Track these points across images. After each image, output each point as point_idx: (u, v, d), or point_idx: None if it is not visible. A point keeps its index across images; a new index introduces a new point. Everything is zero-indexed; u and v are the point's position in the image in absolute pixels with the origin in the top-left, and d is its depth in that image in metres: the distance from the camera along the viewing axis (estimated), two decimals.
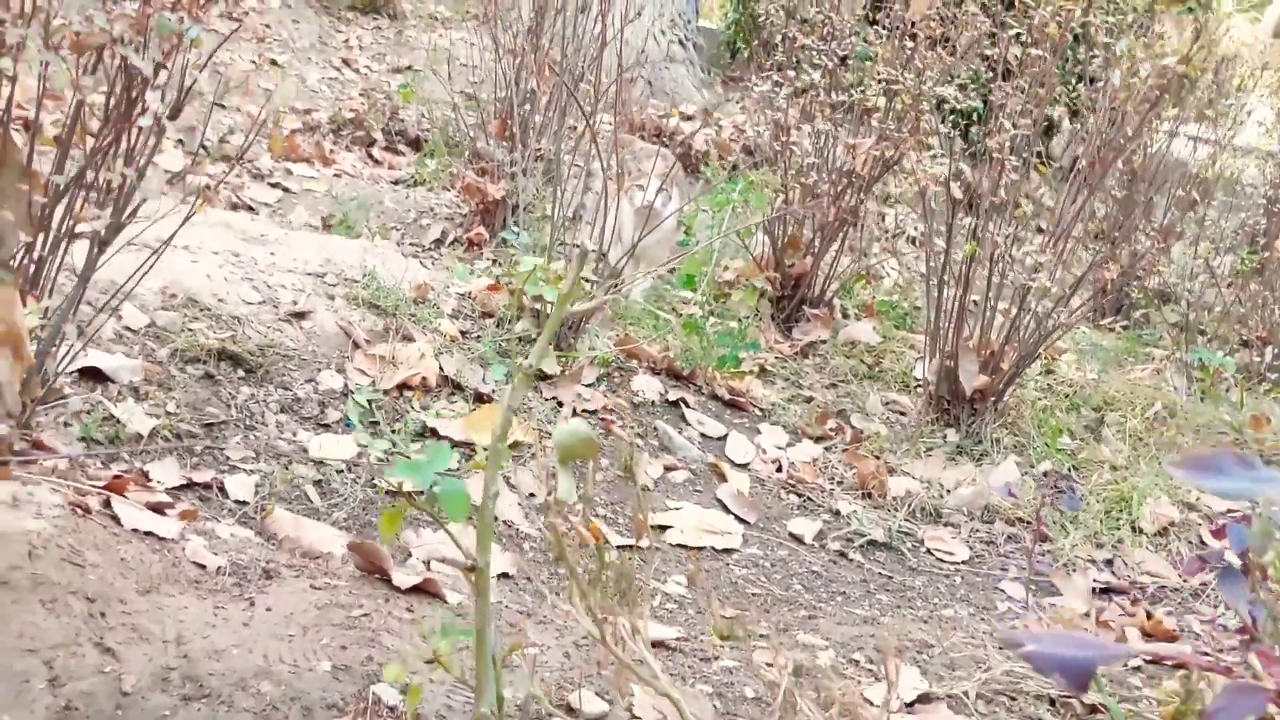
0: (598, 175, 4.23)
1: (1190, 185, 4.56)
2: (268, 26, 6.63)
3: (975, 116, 3.55)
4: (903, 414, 3.66)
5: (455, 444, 2.51)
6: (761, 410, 3.36)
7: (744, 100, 7.94)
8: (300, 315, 2.65)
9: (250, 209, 4.24)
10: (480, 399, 2.71)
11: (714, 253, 3.44)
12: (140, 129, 1.84)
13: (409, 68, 6.95)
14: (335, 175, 4.88)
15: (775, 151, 4.03)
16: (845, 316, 4.33)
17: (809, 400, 3.65)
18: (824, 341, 4.06)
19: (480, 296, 3.07)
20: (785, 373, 3.83)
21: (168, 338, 2.37)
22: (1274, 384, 4.25)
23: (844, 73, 4.02)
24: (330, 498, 2.21)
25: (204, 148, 4.61)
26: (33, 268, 1.82)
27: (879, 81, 3.84)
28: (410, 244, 4.30)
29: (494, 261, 4.03)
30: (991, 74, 3.36)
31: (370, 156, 5.36)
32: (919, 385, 3.71)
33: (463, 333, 2.93)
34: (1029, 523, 2.87)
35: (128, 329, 2.35)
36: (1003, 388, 3.14)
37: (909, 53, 3.52)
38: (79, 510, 1.59)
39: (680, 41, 8.30)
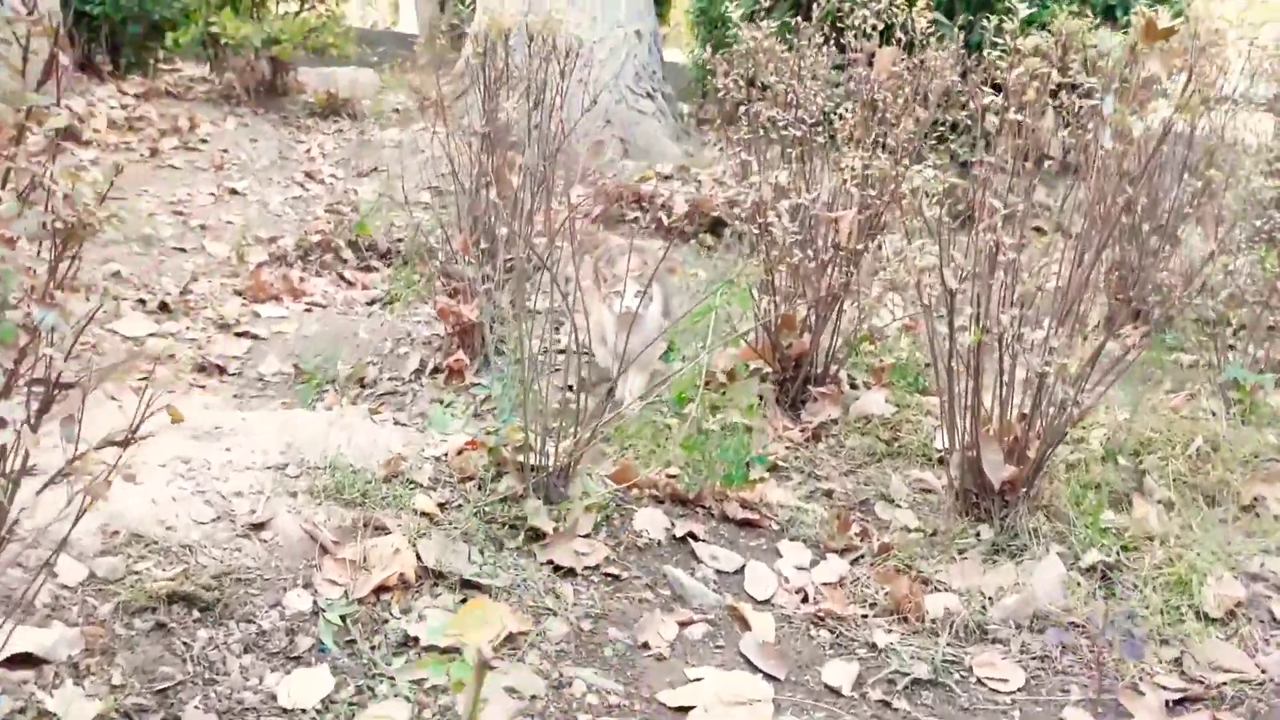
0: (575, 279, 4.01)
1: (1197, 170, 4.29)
2: (224, 151, 6.44)
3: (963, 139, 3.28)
4: (929, 492, 3.40)
5: (442, 650, 2.27)
6: (779, 524, 3.10)
7: (720, 143, 7.74)
8: (259, 526, 2.42)
9: (220, 369, 4.03)
10: (468, 585, 2.46)
11: (702, 368, 3.20)
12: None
13: (375, 170, 6.75)
14: (306, 309, 4.67)
15: (755, 235, 3.80)
16: (854, 387, 4.08)
17: (829, 494, 3.40)
18: (835, 421, 3.81)
19: (456, 461, 2.83)
20: (799, 463, 3.58)
21: (110, 591, 2.14)
22: None
23: (815, 136, 3.79)
24: None
25: (164, 306, 4.41)
26: None
27: (852, 143, 3.60)
28: (389, 379, 4.08)
29: (474, 390, 3.80)
30: (968, 121, 3.12)
31: (342, 278, 5.15)
32: (941, 457, 3.46)
33: (442, 505, 2.69)
34: (1083, 628, 2.61)
35: (64, 588, 2.12)
36: (1032, 475, 2.87)
37: (878, 123, 3.30)
38: None
39: (649, 94, 8.09)
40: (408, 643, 2.27)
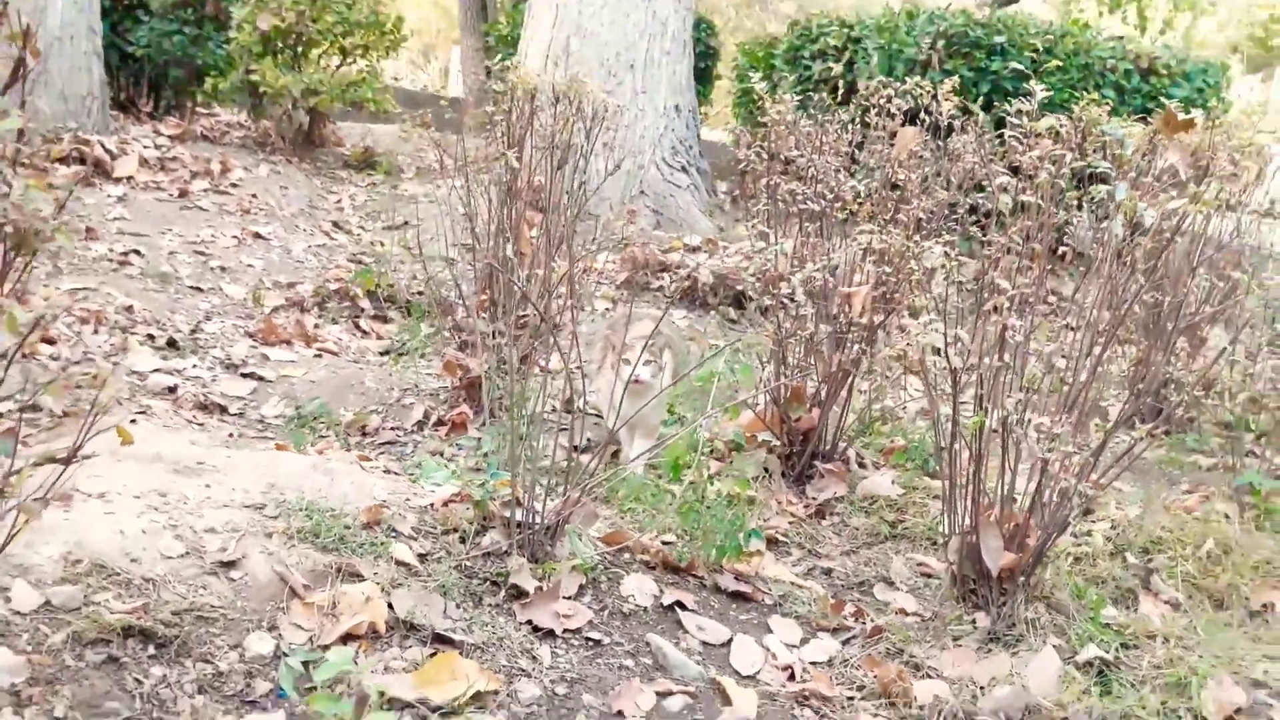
0: (593, 343, 3.97)
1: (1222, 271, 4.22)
2: (253, 196, 6.48)
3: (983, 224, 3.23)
4: (930, 576, 3.30)
5: (405, 705, 2.19)
6: (772, 600, 3.01)
7: (746, 218, 7.80)
8: (229, 565, 2.35)
9: (222, 408, 3.99)
10: (440, 639, 2.38)
11: (699, 434, 3.12)
12: None
13: (405, 224, 6.77)
14: (316, 355, 4.65)
15: (768, 304, 3.74)
16: (863, 466, 4.00)
17: (828, 572, 3.30)
18: (840, 499, 3.73)
19: (442, 513, 2.76)
20: (800, 539, 3.49)
21: (64, 620, 2.07)
22: None
23: (834, 211, 3.76)
24: None
25: (172, 343, 4.39)
26: None
27: (871, 220, 3.56)
28: (391, 428, 4.03)
29: (476, 447, 3.74)
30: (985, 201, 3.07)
31: (357, 327, 5.13)
32: (947, 541, 3.36)
33: (422, 556, 2.62)
34: None
35: (16, 613, 2.06)
36: (1032, 563, 2.77)
37: (896, 200, 3.26)
38: None
39: (684, 168, 8.12)
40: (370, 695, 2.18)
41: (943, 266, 2.68)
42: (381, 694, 2.18)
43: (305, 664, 2.19)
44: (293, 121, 7.29)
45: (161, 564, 2.28)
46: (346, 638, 2.28)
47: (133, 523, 2.35)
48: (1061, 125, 2.72)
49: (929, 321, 2.51)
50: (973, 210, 3.46)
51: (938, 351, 2.59)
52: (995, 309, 2.45)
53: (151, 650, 2.09)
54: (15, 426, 1.50)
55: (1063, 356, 2.56)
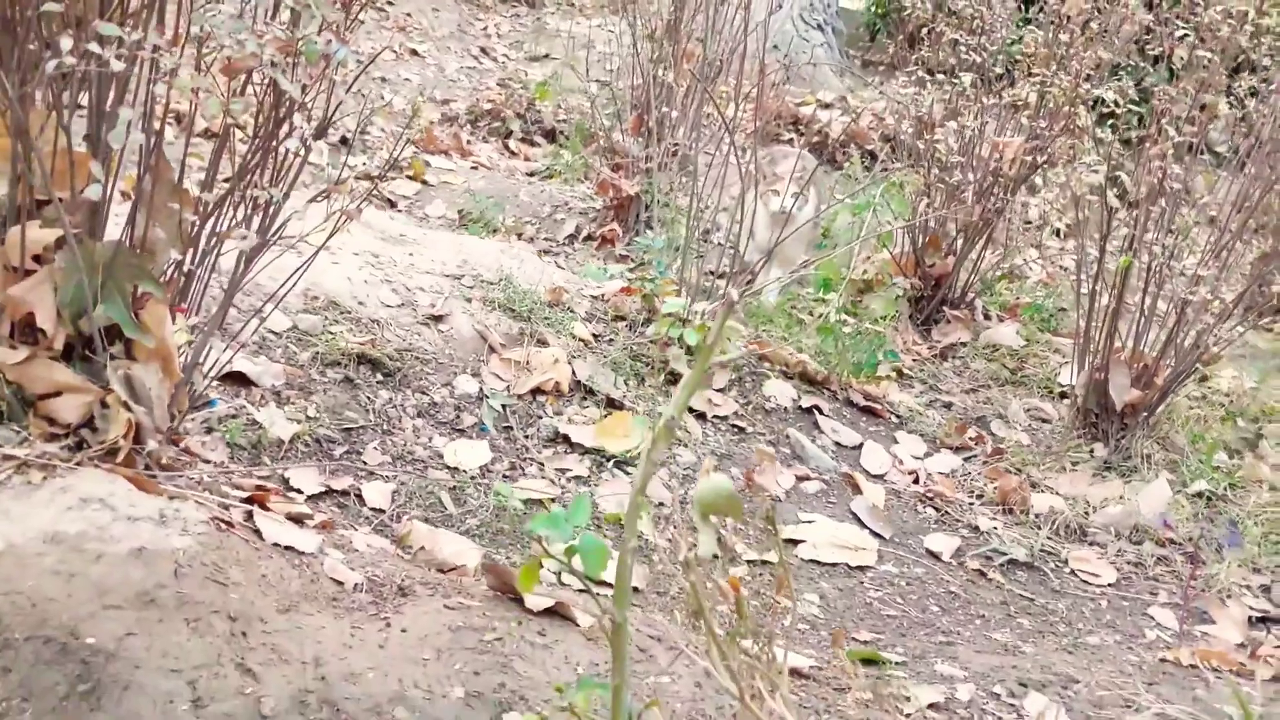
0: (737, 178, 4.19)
1: None
2: (408, 15, 6.74)
3: (1134, 116, 3.38)
4: (1045, 421, 3.55)
5: (586, 450, 2.53)
6: (898, 417, 3.30)
7: (884, 85, 7.85)
8: (438, 318, 2.69)
9: (391, 203, 4.32)
10: (612, 404, 2.71)
11: (852, 256, 3.38)
12: (287, 150, 1.86)
13: (546, 56, 7.00)
14: (472, 167, 4.94)
15: (918, 150, 3.93)
16: (987, 318, 4.22)
17: (948, 406, 3.57)
18: (964, 344, 3.97)
19: (613, 300, 3.07)
20: (923, 375, 3.74)
21: (309, 341, 2.43)
22: None
23: (993, 66, 3.90)
24: (464, 504, 2.24)
25: (345, 140, 4.71)
26: (182, 281, 1.87)
27: (1030, 77, 3.71)
28: (544, 239, 4.34)
29: (624, 259, 4.03)
30: (1151, 67, 3.21)
31: (506, 148, 5.41)
32: (1063, 392, 3.59)
33: (595, 336, 2.94)
34: (1180, 544, 2.76)
35: (271, 332, 2.41)
36: (1156, 402, 3.00)
37: (1064, 49, 3.40)
38: (222, 525, 1.63)
39: (819, 26, 8.17)
40: (557, 438, 2.52)
41: (1113, 114, 2.86)
42: (566, 438, 2.52)
43: (503, 407, 2.54)
44: None
45: (382, 310, 2.62)
46: (536, 391, 2.61)
47: (356, 274, 2.69)
48: None
49: (1093, 163, 2.71)
50: (1134, 71, 3.59)
51: (1095, 191, 2.79)
52: (1161, 156, 2.63)
53: (379, 377, 2.44)
54: (352, 140, 1.80)
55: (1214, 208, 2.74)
